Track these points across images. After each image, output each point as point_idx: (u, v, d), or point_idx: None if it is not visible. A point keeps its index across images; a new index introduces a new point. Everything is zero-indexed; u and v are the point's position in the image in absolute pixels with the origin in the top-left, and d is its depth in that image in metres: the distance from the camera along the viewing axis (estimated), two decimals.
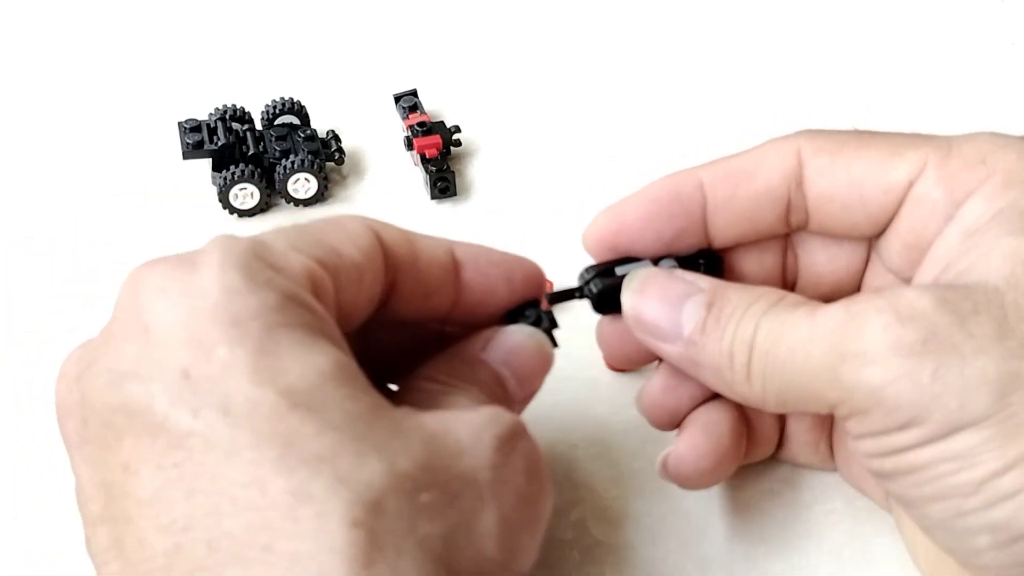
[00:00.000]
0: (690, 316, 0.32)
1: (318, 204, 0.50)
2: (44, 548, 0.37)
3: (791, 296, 0.32)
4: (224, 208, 0.49)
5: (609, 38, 0.60)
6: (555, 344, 0.34)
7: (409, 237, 0.32)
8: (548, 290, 0.44)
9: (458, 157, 0.53)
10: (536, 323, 0.34)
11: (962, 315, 0.28)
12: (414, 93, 0.54)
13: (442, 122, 0.52)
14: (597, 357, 0.42)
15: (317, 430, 0.25)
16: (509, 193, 0.51)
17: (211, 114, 0.52)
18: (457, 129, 0.52)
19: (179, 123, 0.51)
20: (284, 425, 0.25)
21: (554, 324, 0.34)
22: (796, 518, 0.38)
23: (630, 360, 0.36)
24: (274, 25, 0.61)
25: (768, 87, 0.56)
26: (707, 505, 0.38)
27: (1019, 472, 0.28)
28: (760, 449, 0.37)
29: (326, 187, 0.50)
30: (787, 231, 0.35)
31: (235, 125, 0.51)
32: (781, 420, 0.37)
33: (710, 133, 0.53)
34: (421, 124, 0.51)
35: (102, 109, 0.56)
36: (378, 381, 0.30)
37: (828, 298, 0.37)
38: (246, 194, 0.49)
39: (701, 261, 0.35)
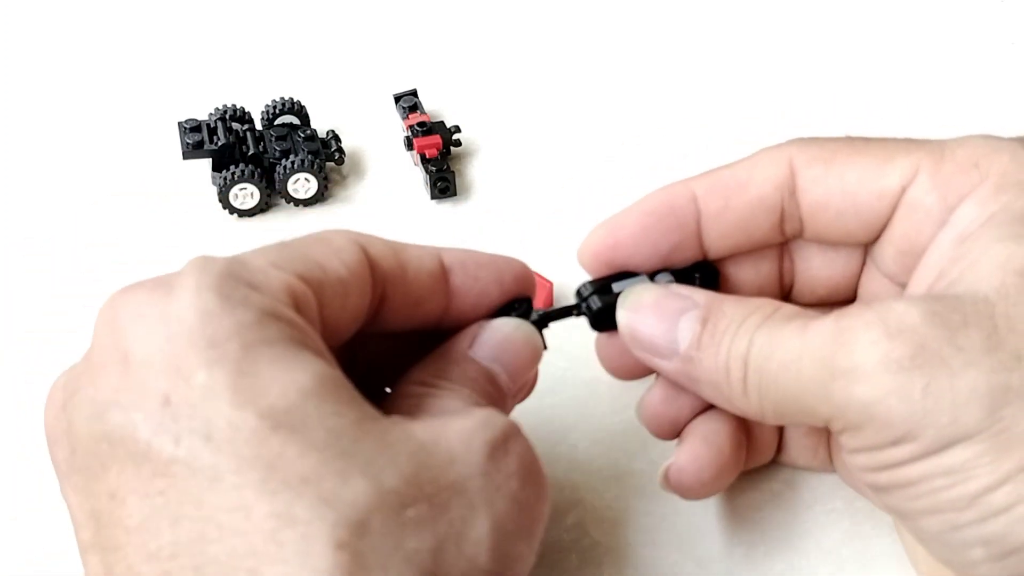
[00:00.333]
0: (685, 332, 0.32)
1: (318, 204, 0.50)
2: (44, 548, 0.37)
3: (785, 308, 0.32)
4: (224, 208, 0.49)
5: (609, 38, 0.60)
6: (544, 346, 0.34)
7: (396, 249, 0.32)
8: (548, 289, 0.44)
9: (458, 157, 0.53)
10: (524, 318, 0.34)
11: (951, 328, 0.28)
12: (414, 93, 0.54)
13: (442, 122, 0.52)
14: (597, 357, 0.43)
15: (300, 451, 0.25)
16: (509, 193, 0.51)
17: (211, 114, 0.52)
18: (457, 129, 0.52)
19: (179, 123, 0.51)
20: (266, 448, 0.25)
21: (544, 322, 0.34)
22: (796, 518, 0.38)
23: (630, 372, 0.36)
24: (274, 25, 0.61)
25: (768, 87, 0.56)
26: (707, 505, 0.38)
27: (1012, 486, 0.28)
28: (760, 456, 0.38)
29: (326, 187, 0.50)
30: (782, 240, 0.35)
31: (235, 125, 0.51)
32: (780, 427, 0.38)
33: (710, 133, 0.53)
34: (421, 124, 0.51)
35: (102, 109, 0.56)
36: (372, 387, 0.29)
37: (825, 302, 0.37)
38: (246, 194, 0.49)
39: (697, 274, 0.35)
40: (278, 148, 0.50)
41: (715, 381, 0.32)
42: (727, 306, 0.32)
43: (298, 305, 0.28)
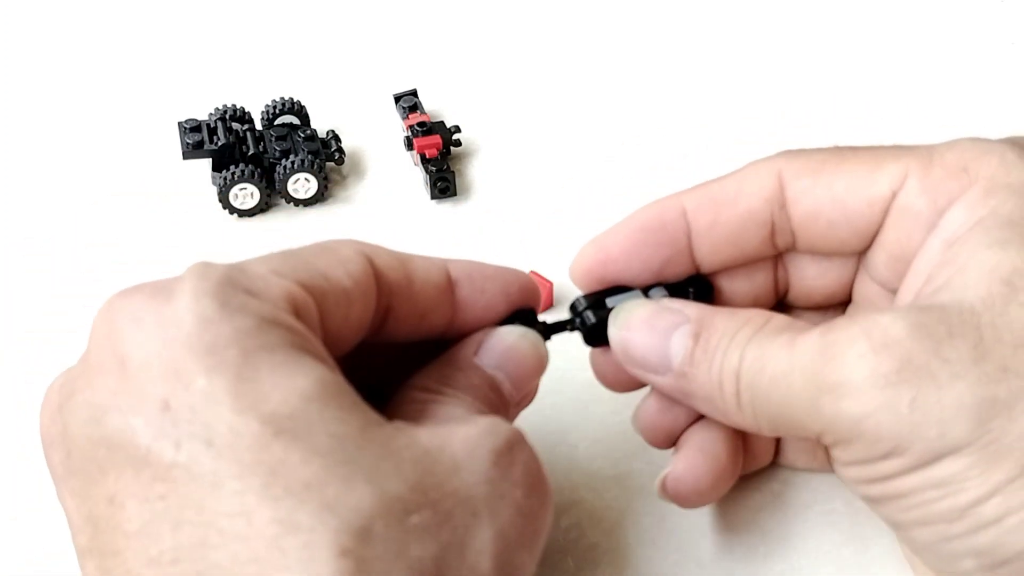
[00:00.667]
0: (678, 348, 0.32)
1: (318, 204, 0.50)
2: (44, 548, 0.37)
3: (775, 320, 0.32)
4: (224, 208, 0.49)
5: (609, 38, 0.60)
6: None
7: (403, 260, 0.31)
8: (548, 289, 0.44)
9: (458, 157, 0.53)
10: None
11: (937, 340, 0.28)
12: (414, 93, 0.54)
13: (442, 122, 0.52)
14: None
15: (302, 457, 0.25)
16: (509, 193, 0.51)
17: (211, 114, 0.52)
18: (457, 129, 0.52)
19: (179, 123, 0.51)
20: (268, 454, 0.25)
21: (548, 334, 0.34)
22: (796, 518, 0.38)
23: (625, 386, 0.36)
24: (274, 25, 0.61)
25: (768, 87, 0.56)
26: (707, 506, 0.38)
27: (1002, 498, 0.28)
28: (757, 461, 0.38)
29: (326, 187, 0.50)
30: (774, 253, 0.35)
31: (235, 125, 0.51)
32: None
33: (710, 133, 0.53)
34: (421, 124, 0.51)
35: (102, 109, 0.56)
36: (375, 393, 0.29)
37: (820, 306, 0.37)
38: (246, 194, 0.49)
39: (691, 288, 0.35)
40: (278, 148, 0.50)
41: (710, 396, 0.32)
42: (718, 320, 0.32)
43: (298, 312, 0.28)
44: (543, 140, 0.54)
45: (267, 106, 0.52)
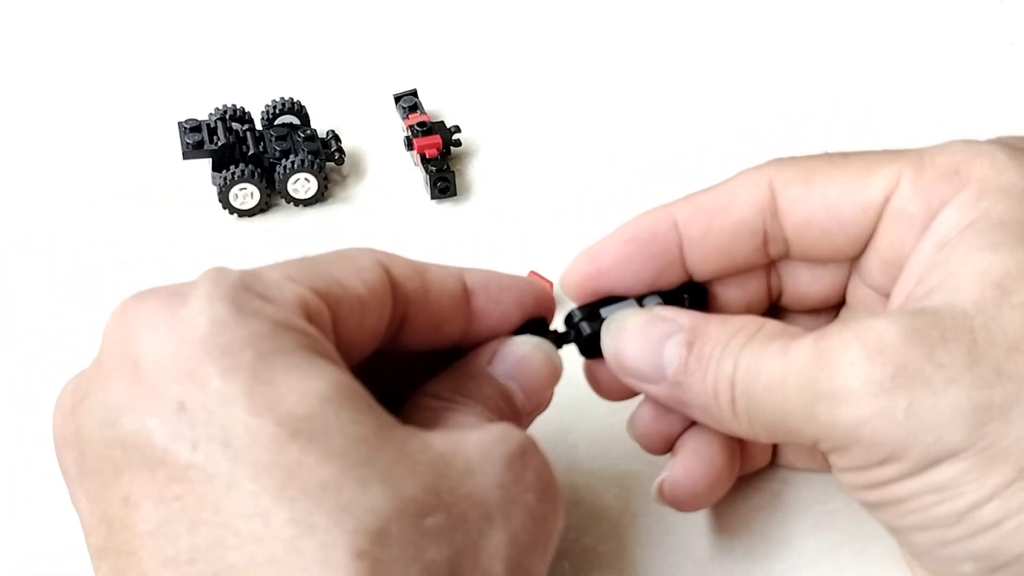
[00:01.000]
0: (672, 357, 0.32)
1: (318, 204, 0.50)
2: (44, 548, 0.37)
3: (768, 326, 0.31)
4: (224, 208, 0.49)
5: (609, 38, 0.60)
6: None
7: (419, 270, 0.31)
8: (548, 291, 0.44)
9: (458, 157, 0.53)
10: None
11: (931, 345, 0.28)
12: (414, 93, 0.54)
13: (442, 122, 0.52)
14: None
15: (319, 459, 0.25)
16: (509, 193, 0.51)
17: (211, 114, 0.52)
18: (457, 129, 0.52)
19: (179, 123, 0.51)
20: (284, 455, 0.25)
21: (560, 344, 0.34)
22: (796, 518, 0.38)
23: (619, 395, 0.36)
24: (274, 25, 0.61)
25: (768, 87, 0.56)
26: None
27: (1000, 502, 0.28)
28: (755, 462, 0.38)
29: (326, 187, 0.50)
30: (767, 261, 0.35)
31: (235, 125, 0.51)
32: None
33: (710, 133, 0.53)
34: (421, 124, 0.51)
35: (102, 109, 0.56)
36: (390, 401, 0.29)
37: (814, 310, 0.37)
38: (246, 194, 0.49)
39: (685, 295, 0.35)
40: (278, 148, 0.50)
41: (705, 404, 0.32)
42: (711, 327, 0.32)
43: (312, 318, 0.28)
44: (543, 140, 0.54)
45: (267, 106, 0.52)
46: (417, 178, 0.52)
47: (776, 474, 0.39)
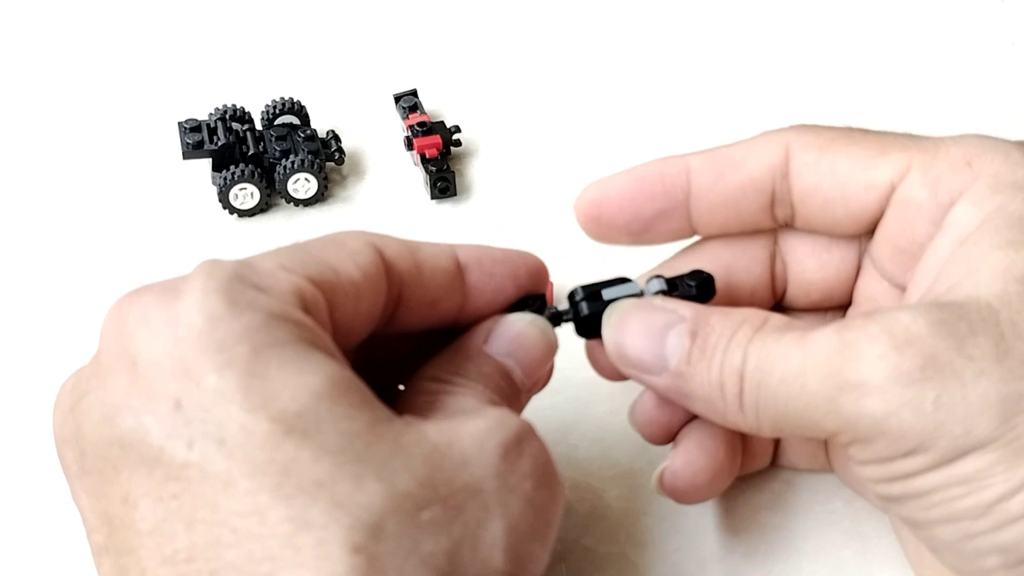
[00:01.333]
0: (674, 348, 0.32)
1: (318, 204, 0.50)
2: (45, 548, 0.37)
3: (774, 319, 0.31)
4: (224, 208, 0.49)
5: (609, 38, 0.60)
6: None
7: (412, 249, 0.31)
8: (549, 290, 0.44)
9: (458, 157, 0.53)
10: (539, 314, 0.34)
11: (959, 337, 0.28)
12: (414, 93, 0.54)
13: (442, 122, 0.52)
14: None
15: (313, 455, 0.25)
16: (509, 193, 0.51)
17: (211, 114, 0.52)
18: (457, 129, 0.52)
19: (179, 123, 0.51)
20: (279, 453, 0.25)
21: (558, 320, 0.34)
22: (796, 518, 0.38)
23: (620, 376, 0.35)
24: (274, 25, 0.61)
25: (768, 86, 0.56)
26: (707, 506, 0.38)
27: None
28: (756, 461, 0.38)
29: (326, 187, 0.50)
30: (772, 225, 0.35)
31: (235, 125, 0.51)
32: None
33: (711, 132, 0.53)
34: (421, 124, 0.51)
35: (102, 109, 0.56)
36: (387, 384, 0.29)
37: (818, 307, 0.37)
38: (246, 194, 0.49)
39: (692, 283, 0.35)
40: (278, 148, 0.50)
41: (708, 397, 0.31)
42: (715, 319, 0.32)
43: (307, 307, 0.28)
44: (543, 140, 0.54)
45: (267, 106, 0.52)
46: (417, 178, 0.52)
47: (777, 474, 0.39)
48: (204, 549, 0.25)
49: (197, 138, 0.50)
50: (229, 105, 0.52)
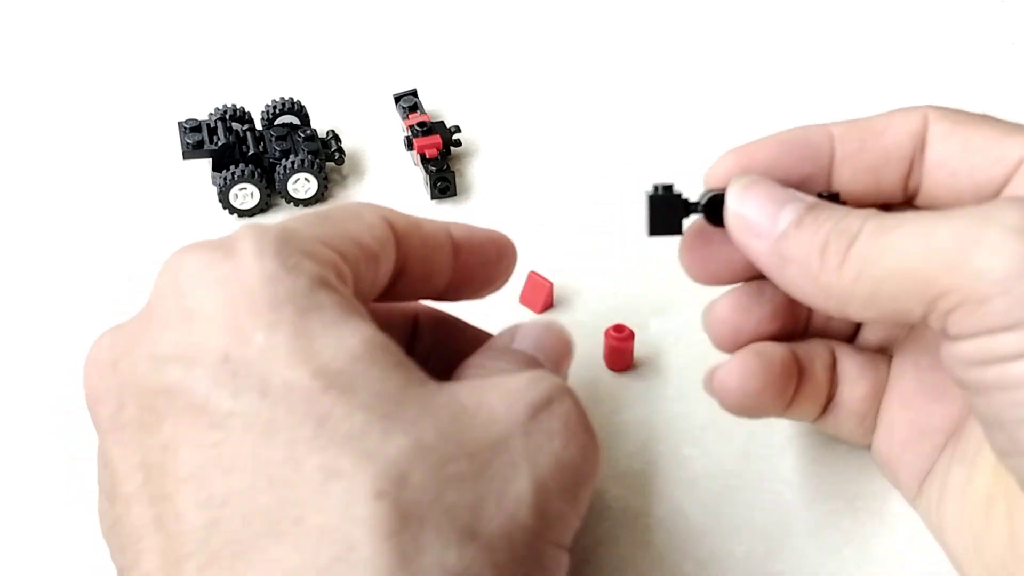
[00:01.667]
0: (789, 212, 0.32)
1: (318, 204, 0.50)
2: (45, 547, 0.37)
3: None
4: (224, 208, 0.49)
5: (610, 38, 0.60)
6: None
7: (418, 224, 0.33)
8: (548, 289, 0.44)
9: (458, 157, 0.53)
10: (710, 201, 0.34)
11: None
12: (414, 93, 0.54)
13: (442, 122, 0.52)
14: (597, 357, 0.43)
15: (348, 410, 0.26)
16: (509, 193, 0.51)
17: (211, 114, 0.52)
18: (457, 129, 0.52)
19: (179, 123, 0.51)
20: (318, 406, 0.26)
21: (688, 212, 0.35)
22: (796, 518, 0.38)
23: (707, 275, 0.36)
24: (274, 25, 0.61)
25: (768, 87, 0.56)
26: (707, 506, 0.38)
27: None
28: (808, 403, 0.37)
29: (326, 187, 0.50)
30: (903, 199, 0.36)
31: (235, 125, 0.51)
32: (830, 378, 0.37)
33: (711, 132, 0.53)
34: (421, 124, 0.51)
35: (102, 109, 0.56)
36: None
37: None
38: (246, 194, 0.49)
39: (824, 196, 0.35)
40: (278, 148, 0.50)
41: (806, 259, 0.31)
42: (834, 206, 0.32)
43: (341, 277, 0.30)
44: (543, 140, 0.54)
45: (267, 106, 0.52)
46: (417, 178, 0.52)
47: (777, 474, 0.39)
48: (239, 494, 0.26)
49: (197, 138, 0.50)
50: (229, 105, 0.52)
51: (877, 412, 0.37)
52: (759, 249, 0.33)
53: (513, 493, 0.27)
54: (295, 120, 0.53)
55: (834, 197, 0.35)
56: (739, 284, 0.36)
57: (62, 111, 0.56)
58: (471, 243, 0.34)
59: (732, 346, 0.36)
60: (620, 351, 0.42)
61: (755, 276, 0.35)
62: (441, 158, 0.51)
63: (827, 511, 0.38)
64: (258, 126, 0.52)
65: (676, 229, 0.35)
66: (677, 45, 0.59)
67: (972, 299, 0.29)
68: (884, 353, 0.37)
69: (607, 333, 0.42)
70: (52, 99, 0.57)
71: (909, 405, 0.36)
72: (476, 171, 0.52)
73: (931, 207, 0.34)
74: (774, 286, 0.34)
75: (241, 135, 0.51)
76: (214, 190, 0.50)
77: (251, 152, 0.50)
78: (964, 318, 0.29)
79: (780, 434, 0.40)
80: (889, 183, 0.35)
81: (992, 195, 0.34)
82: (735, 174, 0.34)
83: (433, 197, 0.50)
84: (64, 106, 0.56)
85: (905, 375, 0.36)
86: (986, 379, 0.29)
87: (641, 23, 0.61)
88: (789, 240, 0.32)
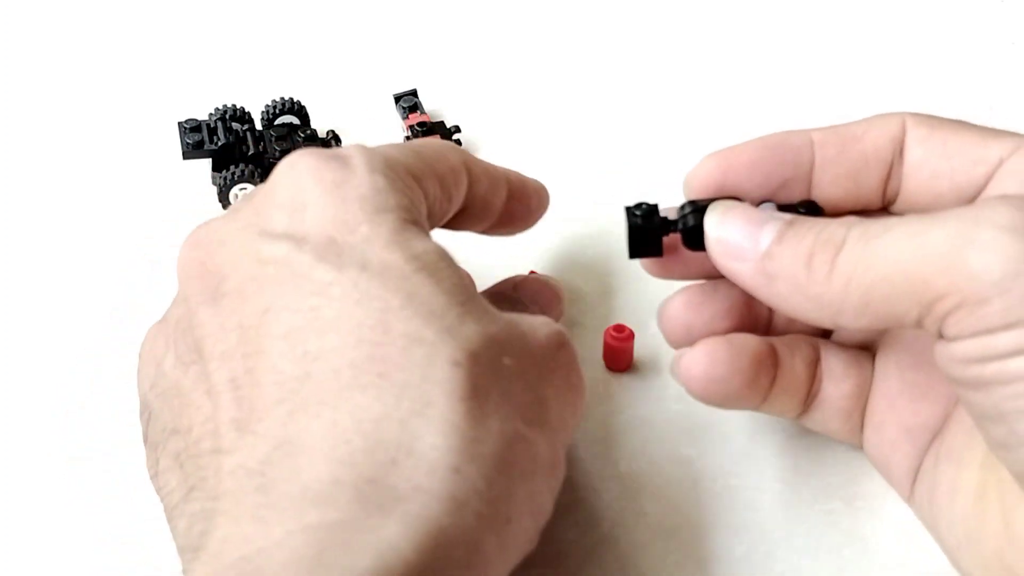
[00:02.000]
0: (769, 231, 0.33)
1: None
2: (45, 547, 0.37)
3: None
4: (224, 208, 0.49)
5: (610, 38, 0.60)
6: (660, 252, 0.36)
7: (487, 172, 0.38)
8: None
9: None
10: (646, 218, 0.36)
11: None
12: (414, 93, 0.54)
13: (442, 122, 0.52)
14: (597, 357, 0.43)
15: (433, 290, 0.30)
16: None
17: (211, 114, 0.52)
18: (457, 129, 0.52)
19: (179, 123, 0.51)
20: (408, 282, 0.30)
21: (667, 231, 0.36)
22: (796, 518, 0.38)
23: (670, 274, 0.37)
24: (274, 25, 0.61)
25: (767, 87, 0.56)
26: (707, 505, 0.38)
27: None
28: (786, 397, 0.36)
29: None
30: (880, 204, 0.36)
31: (235, 125, 0.51)
32: (812, 374, 0.37)
33: (711, 132, 0.53)
34: (421, 124, 0.51)
35: (102, 109, 0.56)
36: None
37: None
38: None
39: (801, 210, 0.35)
40: (278, 148, 0.50)
41: (793, 273, 0.32)
42: (813, 219, 0.33)
43: (427, 205, 0.34)
44: (543, 140, 0.54)
45: (267, 106, 0.52)
46: None
47: (777, 474, 0.39)
48: (332, 350, 0.29)
49: (197, 138, 0.50)
50: (229, 105, 0.52)
51: (863, 410, 0.37)
52: (744, 271, 0.33)
53: (543, 396, 0.32)
54: (295, 120, 0.53)
55: (811, 205, 0.35)
56: (693, 283, 0.37)
57: (62, 111, 0.56)
58: (522, 190, 0.40)
59: (685, 343, 0.36)
60: (620, 351, 0.42)
61: (714, 275, 0.36)
62: None
63: (827, 511, 0.38)
64: (258, 126, 0.52)
65: (656, 251, 0.36)
66: (677, 45, 0.59)
67: (970, 300, 0.29)
68: (868, 350, 0.37)
69: (607, 333, 0.42)
70: (52, 99, 0.57)
71: (895, 405, 0.36)
72: None
73: (911, 212, 0.34)
74: (729, 285, 0.35)
75: (241, 135, 0.51)
76: (214, 190, 0.50)
77: (251, 152, 0.50)
78: (963, 319, 0.29)
79: (780, 434, 0.40)
80: (868, 188, 0.36)
81: (973, 196, 0.34)
82: (714, 177, 0.35)
83: None
84: (64, 106, 0.56)
85: (889, 375, 0.36)
86: (985, 376, 0.29)
87: (641, 24, 0.61)
88: (773, 258, 0.32)
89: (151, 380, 0.34)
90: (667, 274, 0.37)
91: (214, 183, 0.50)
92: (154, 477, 0.33)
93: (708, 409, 0.38)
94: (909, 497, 0.36)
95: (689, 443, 0.40)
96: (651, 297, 0.45)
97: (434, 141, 0.39)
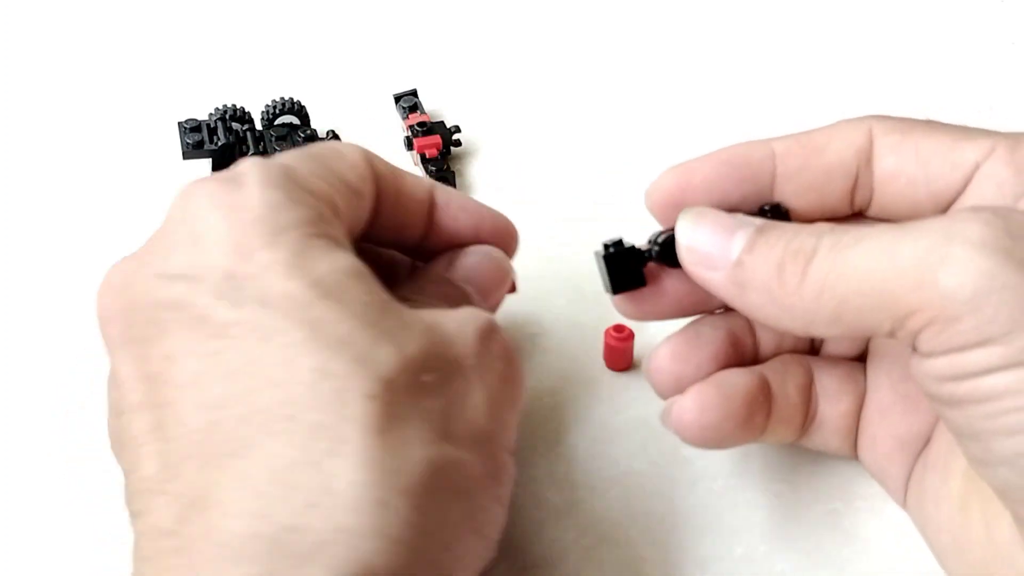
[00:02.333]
0: (740, 239, 0.32)
1: None
2: (45, 547, 0.37)
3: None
4: None
5: (610, 38, 0.60)
6: (643, 282, 0.35)
7: (395, 172, 0.35)
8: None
9: (458, 157, 0.53)
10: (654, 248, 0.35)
11: None
12: (414, 93, 0.54)
13: (442, 122, 0.52)
14: (597, 357, 0.43)
15: (339, 317, 0.29)
16: (509, 193, 0.51)
17: (211, 114, 0.52)
18: (457, 129, 0.52)
19: (179, 123, 0.51)
20: (312, 312, 0.29)
21: (640, 261, 0.35)
22: (796, 518, 0.38)
23: (645, 316, 0.36)
24: (274, 25, 0.61)
25: (767, 87, 0.56)
26: (707, 505, 0.38)
27: None
28: (783, 427, 0.36)
29: None
30: (849, 212, 0.35)
31: (235, 125, 0.51)
32: (807, 398, 0.36)
33: (712, 133, 0.53)
34: (421, 124, 0.51)
35: (102, 109, 0.56)
36: None
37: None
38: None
39: (767, 210, 0.35)
40: (278, 148, 0.50)
41: (766, 282, 0.31)
42: (784, 225, 0.32)
43: (334, 212, 0.32)
44: (543, 140, 0.54)
45: (267, 106, 0.52)
46: None
47: (777, 474, 0.39)
48: (237, 396, 0.28)
49: (197, 138, 0.50)
50: (229, 105, 0.52)
51: (859, 421, 0.37)
52: (716, 280, 0.33)
53: (471, 403, 0.30)
54: (295, 120, 0.53)
55: (776, 209, 0.35)
56: (675, 332, 0.36)
57: (62, 111, 0.56)
58: (451, 206, 0.37)
59: (675, 393, 0.35)
60: (620, 351, 0.42)
61: (689, 312, 0.36)
62: (441, 158, 0.51)
63: (827, 511, 0.38)
64: (258, 126, 0.52)
65: (639, 282, 0.35)
66: (677, 45, 0.59)
67: (941, 318, 0.28)
68: (860, 362, 0.37)
69: (607, 333, 0.42)
70: (52, 99, 0.57)
71: (887, 417, 0.36)
72: (476, 171, 0.52)
73: (886, 217, 0.34)
74: (711, 328, 0.35)
75: (241, 135, 0.51)
76: None
77: (251, 152, 0.50)
78: (934, 336, 0.29)
79: None
80: (833, 199, 0.35)
81: (951, 201, 0.33)
82: (673, 192, 0.35)
83: None
84: (64, 106, 0.56)
85: (881, 387, 0.36)
86: (958, 393, 0.29)
87: (640, 24, 0.61)
88: (744, 267, 0.32)
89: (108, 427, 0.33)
90: (647, 310, 0.36)
91: None
92: None
93: None
94: (904, 504, 0.36)
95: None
96: None
97: (328, 142, 0.37)
